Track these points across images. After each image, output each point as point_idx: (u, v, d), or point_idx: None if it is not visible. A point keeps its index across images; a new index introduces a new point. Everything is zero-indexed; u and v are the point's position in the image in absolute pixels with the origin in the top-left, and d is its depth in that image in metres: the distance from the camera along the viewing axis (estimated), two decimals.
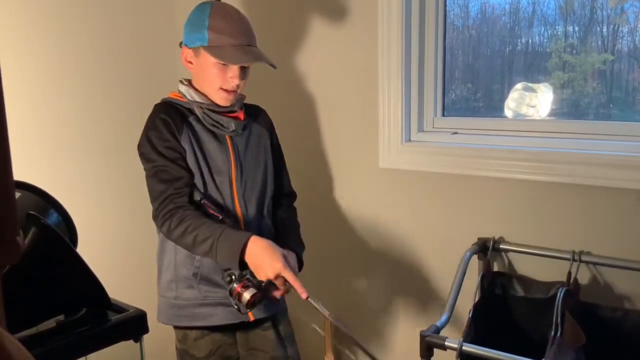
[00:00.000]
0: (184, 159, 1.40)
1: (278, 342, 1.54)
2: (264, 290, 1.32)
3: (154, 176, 1.39)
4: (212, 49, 1.37)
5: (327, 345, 2.07)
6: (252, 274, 1.31)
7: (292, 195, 1.65)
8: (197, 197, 1.40)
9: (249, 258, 1.28)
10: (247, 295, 1.29)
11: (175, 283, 1.46)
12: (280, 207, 1.60)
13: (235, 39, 1.37)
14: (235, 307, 1.32)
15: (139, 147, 1.42)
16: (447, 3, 1.80)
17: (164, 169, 1.38)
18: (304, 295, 1.26)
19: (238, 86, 1.41)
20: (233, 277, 1.31)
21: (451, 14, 1.85)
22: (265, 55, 1.42)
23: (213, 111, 1.44)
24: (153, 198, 1.39)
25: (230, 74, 1.40)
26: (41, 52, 1.84)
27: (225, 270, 1.34)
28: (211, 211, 1.38)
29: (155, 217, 1.38)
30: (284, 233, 1.53)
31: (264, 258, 1.27)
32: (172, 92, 1.49)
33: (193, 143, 1.41)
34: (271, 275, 1.26)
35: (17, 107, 1.77)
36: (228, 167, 1.45)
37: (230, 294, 1.31)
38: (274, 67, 1.43)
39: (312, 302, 1.27)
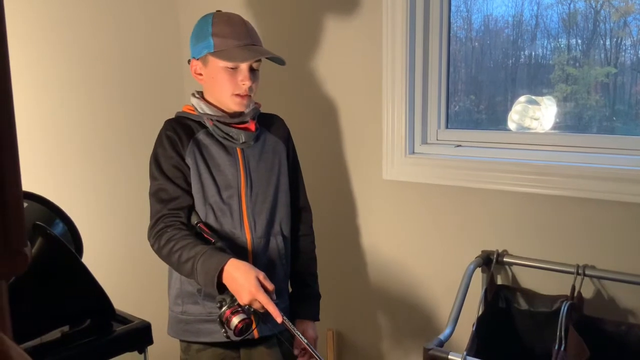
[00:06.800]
0: (186, 178, 1.41)
1: None
2: (255, 314, 1.25)
3: (153, 194, 1.41)
4: (218, 53, 1.38)
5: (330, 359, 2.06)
6: None
7: (307, 211, 1.63)
8: (194, 220, 1.40)
9: (227, 282, 1.25)
10: (235, 321, 1.22)
11: (181, 298, 1.46)
12: (300, 230, 1.59)
13: (240, 40, 1.38)
14: (224, 333, 1.26)
15: (149, 163, 1.44)
16: (451, 15, 1.82)
17: (163, 188, 1.39)
18: (279, 319, 1.22)
19: (250, 89, 1.41)
20: (224, 302, 1.25)
21: (454, 26, 1.86)
22: (272, 51, 1.42)
23: (223, 123, 1.44)
24: (150, 216, 1.41)
25: (241, 77, 1.39)
26: (48, 63, 1.86)
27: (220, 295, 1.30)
28: (206, 236, 1.36)
29: (148, 237, 1.40)
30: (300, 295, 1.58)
31: (240, 282, 1.23)
32: (185, 106, 1.49)
33: (199, 159, 1.41)
34: (246, 300, 1.23)
35: (22, 118, 1.79)
36: (237, 181, 1.44)
37: (220, 319, 1.25)
38: (283, 63, 1.43)
39: (287, 325, 1.24)
